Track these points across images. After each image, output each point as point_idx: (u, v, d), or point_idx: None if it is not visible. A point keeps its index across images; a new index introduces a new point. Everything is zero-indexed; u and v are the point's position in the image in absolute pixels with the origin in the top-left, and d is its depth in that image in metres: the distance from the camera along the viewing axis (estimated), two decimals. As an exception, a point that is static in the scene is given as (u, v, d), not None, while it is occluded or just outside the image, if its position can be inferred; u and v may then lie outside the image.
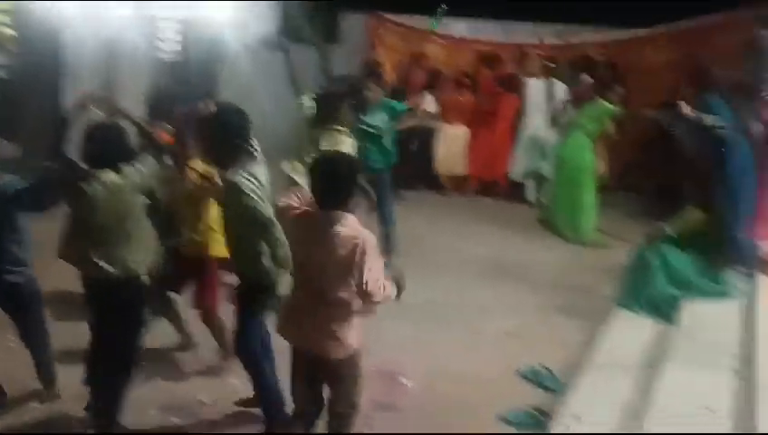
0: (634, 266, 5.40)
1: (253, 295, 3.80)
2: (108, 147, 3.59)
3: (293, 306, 3.36)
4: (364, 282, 3.13)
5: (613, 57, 9.45)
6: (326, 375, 3.40)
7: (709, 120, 5.30)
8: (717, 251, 5.24)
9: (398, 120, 6.48)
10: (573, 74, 8.48)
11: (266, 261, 3.64)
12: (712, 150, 5.38)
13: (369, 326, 3.47)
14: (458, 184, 9.51)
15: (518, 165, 9.08)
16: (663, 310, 5.14)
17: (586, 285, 6.21)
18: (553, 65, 9.15)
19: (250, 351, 3.81)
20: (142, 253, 3.70)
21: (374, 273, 3.16)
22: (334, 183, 3.20)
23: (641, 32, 9.71)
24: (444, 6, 9.66)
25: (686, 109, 5.36)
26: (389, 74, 10.68)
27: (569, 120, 7.76)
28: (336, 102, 5.54)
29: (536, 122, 8.89)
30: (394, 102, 6.50)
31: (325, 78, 9.99)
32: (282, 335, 3.42)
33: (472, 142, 9.39)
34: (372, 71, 6.89)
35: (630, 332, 5.07)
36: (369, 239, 3.19)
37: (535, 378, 4.61)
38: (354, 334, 3.30)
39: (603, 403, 4.09)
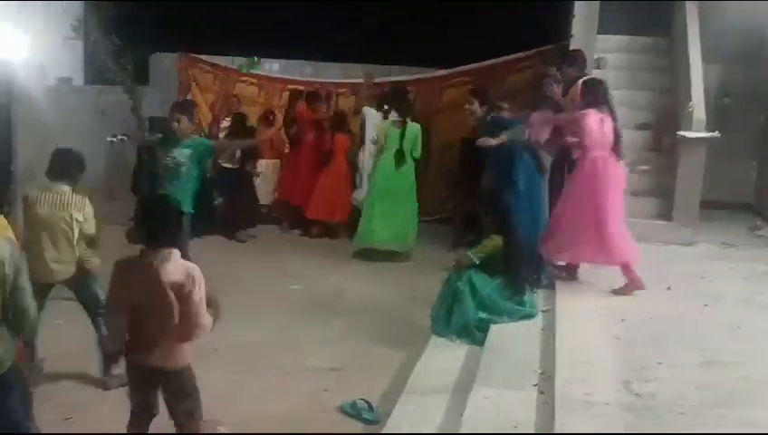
0: (444, 294, 5.63)
1: None
2: None
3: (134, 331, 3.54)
4: (192, 313, 3.38)
5: (418, 94, 9.98)
6: (163, 385, 3.62)
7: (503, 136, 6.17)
8: (516, 274, 5.60)
9: (203, 159, 6.10)
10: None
11: None
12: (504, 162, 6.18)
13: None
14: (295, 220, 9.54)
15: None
16: (473, 334, 5.40)
17: (403, 314, 6.40)
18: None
19: None
20: None
21: (200, 305, 3.42)
22: (157, 222, 3.48)
23: (442, 72, 10.35)
24: (256, 58, 9.75)
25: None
26: (205, 114, 10.60)
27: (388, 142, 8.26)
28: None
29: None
30: (201, 139, 6.41)
31: (136, 118, 9.72)
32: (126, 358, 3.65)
33: (309, 185, 9.36)
34: (183, 104, 6.68)
35: (445, 357, 5.27)
36: (196, 272, 3.44)
37: (356, 412, 4.66)
38: (186, 348, 3.55)
39: (417, 428, 4.22)
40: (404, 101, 8.69)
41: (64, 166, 4.92)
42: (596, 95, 6.01)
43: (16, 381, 3.41)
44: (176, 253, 3.48)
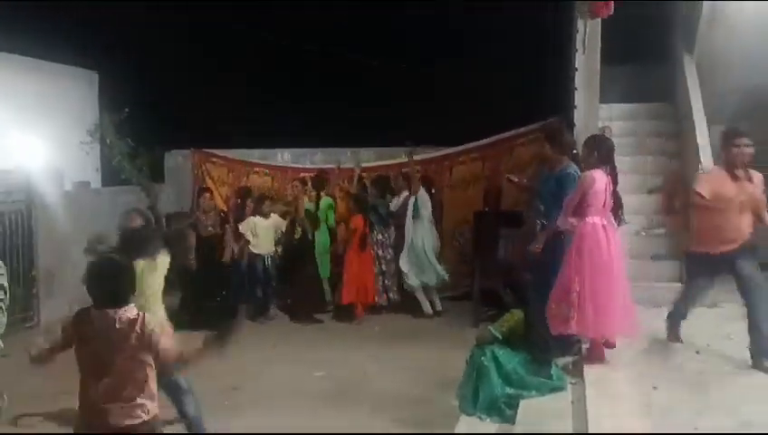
0: (469, 371, 5.56)
1: None
2: None
3: (93, 399, 3.48)
4: (159, 350, 3.48)
5: (428, 173, 10.13)
6: None
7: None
8: (541, 348, 5.54)
9: None
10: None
11: None
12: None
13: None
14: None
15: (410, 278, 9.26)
16: (502, 411, 5.30)
17: (429, 395, 6.29)
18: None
19: None
20: None
21: (164, 339, 3.53)
22: (107, 284, 3.58)
23: (450, 150, 10.52)
24: None
25: None
26: (220, 205, 10.80)
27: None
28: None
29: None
30: None
31: (153, 216, 9.87)
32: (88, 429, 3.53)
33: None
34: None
35: (475, 436, 5.18)
36: (145, 316, 3.55)
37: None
38: (155, 399, 3.58)
39: None
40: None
41: None
42: (601, 152, 5.75)
43: None
44: (129, 307, 3.57)
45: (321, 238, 9.57)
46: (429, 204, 9.30)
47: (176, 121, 12.95)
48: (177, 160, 12.24)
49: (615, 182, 5.98)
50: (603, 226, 5.60)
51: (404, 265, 9.24)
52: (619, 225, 5.85)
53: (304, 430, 5.66)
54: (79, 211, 9.92)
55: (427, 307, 9.23)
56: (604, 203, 5.66)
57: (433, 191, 9.62)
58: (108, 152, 10.15)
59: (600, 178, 5.60)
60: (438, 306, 9.28)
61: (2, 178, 8.86)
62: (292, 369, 7.25)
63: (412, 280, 9.21)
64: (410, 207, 9.17)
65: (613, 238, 5.65)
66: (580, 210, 5.59)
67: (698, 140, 8.28)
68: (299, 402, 6.30)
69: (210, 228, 9.33)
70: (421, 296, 9.25)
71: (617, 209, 5.84)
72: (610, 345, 5.93)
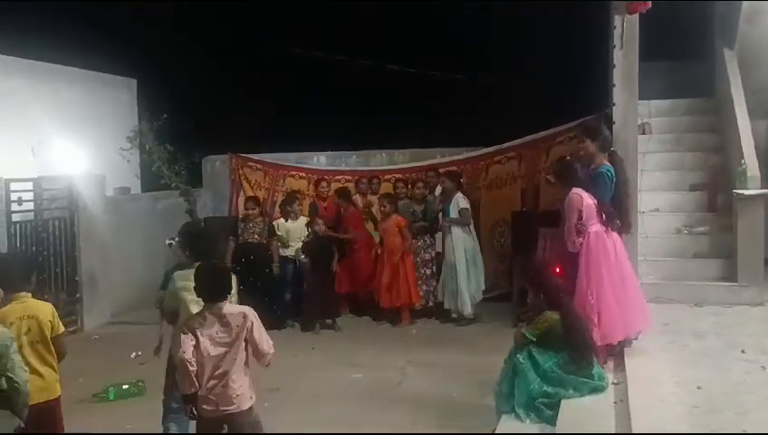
0: (506, 369, 5.52)
1: None
2: None
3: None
4: (258, 343, 4.21)
5: (465, 173, 10.10)
6: (234, 427, 4.26)
7: None
8: (579, 349, 5.45)
9: None
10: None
11: None
12: None
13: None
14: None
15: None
16: (540, 410, 5.24)
17: (467, 397, 6.28)
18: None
19: None
20: None
21: (263, 334, 4.26)
22: (216, 281, 4.28)
23: (487, 149, 10.47)
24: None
25: None
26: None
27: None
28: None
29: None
30: None
31: (192, 220, 10.01)
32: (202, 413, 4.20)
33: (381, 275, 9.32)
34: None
35: (516, 437, 5.14)
36: (250, 310, 4.28)
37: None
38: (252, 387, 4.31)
39: None
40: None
41: None
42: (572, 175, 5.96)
43: None
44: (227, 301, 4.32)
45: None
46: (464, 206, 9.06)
47: (213, 127, 13.12)
48: (215, 165, 12.38)
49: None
50: (605, 231, 5.78)
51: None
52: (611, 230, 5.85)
53: (344, 431, 5.71)
54: (120, 216, 10.10)
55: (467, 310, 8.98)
56: (599, 212, 5.80)
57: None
58: (147, 158, 10.31)
59: (582, 192, 5.80)
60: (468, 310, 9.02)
61: (45, 186, 9.05)
62: (330, 371, 7.30)
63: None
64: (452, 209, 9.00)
65: (616, 240, 5.84)
66: (581, 227, 5.77)
67: (740, 135, 8.13)
68: (338, 404, 6.34)
69: (256, 236, 9.34)
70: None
71: (613, 219, 5.85)
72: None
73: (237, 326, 4.18)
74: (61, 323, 4.48)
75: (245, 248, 9.23)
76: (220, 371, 4.16)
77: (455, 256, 8.91)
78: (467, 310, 8.92)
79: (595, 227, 5.77)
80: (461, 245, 8.93)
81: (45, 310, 4.39)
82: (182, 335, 4.18)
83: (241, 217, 9.95)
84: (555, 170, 6.35)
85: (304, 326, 9.08)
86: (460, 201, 8.98)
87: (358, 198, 10.08)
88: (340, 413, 6.11)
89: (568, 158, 6.42)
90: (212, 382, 4.16)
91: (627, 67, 7.17)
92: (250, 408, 4.28)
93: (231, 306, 4.30)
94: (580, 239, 5.76)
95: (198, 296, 4.29)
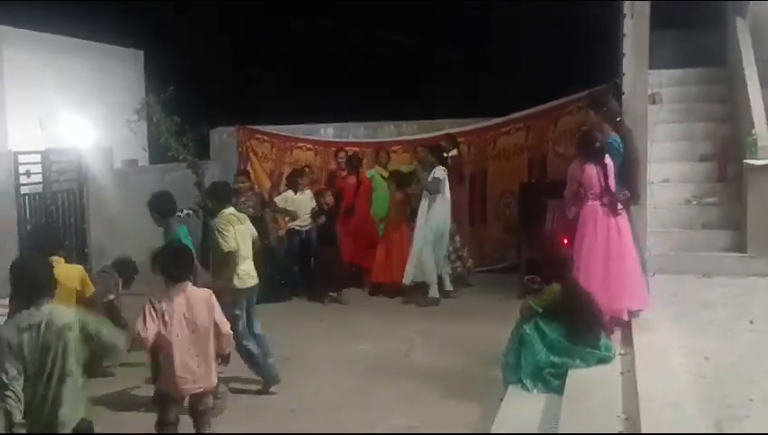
0: (513, 342, 5.53)
1: None
2: None
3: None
4: (219, 324, 4.38)
5: (472, 144, 10.04)
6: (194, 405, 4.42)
7: None
8: (584, 320, 5.45)
9: None
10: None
11: None
12: None
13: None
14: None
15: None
16: (547, 380, 5.27)
17: (473, 369, 6.30)
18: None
19: None
20: None
21: (223, 317, 4.44)
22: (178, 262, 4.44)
23: (494, 120, 10.39)
24: None
25: None
26: (264, 182, 10.89)
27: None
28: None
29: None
30: None
31: (200, 192, 10.00)
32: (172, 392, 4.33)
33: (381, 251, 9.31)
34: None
35: (524, 407, 5.16)
36: (211, 292, 4.46)
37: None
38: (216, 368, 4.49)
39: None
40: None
41: None
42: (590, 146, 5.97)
43: None
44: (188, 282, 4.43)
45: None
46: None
47: (221, 99, 13.08)
48: (223, 137, 12.36)
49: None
50: (603, 207, 5.84)
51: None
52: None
53: (355, 402, 5.75)
54: (128, 189, 10.12)
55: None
56: (602, 187, 5.85)
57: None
58: (154, 130, 10.27)
59: (588, 166, 5.87)
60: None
61: (54, 158, 9.06)
62: (338, 342, 7.32)
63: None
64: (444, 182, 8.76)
65: (616, 218, 5.86)
66: (579, 198, 5.90)
67: (751, 104, 8.04)
68: (347, 376, 6.37)
69: (251, 210, 9.31)
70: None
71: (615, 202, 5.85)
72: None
73: (202, 308, 4.32)
74: (90, 287, 4.70)
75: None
76: (188, 350, 4.26)
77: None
78: (430, 280, 8.71)
79: (594, 203, 5.84)
80: (423, 215, 8.69)
81: (71, 274, 4.87)
82: (146, 314, 4.23)
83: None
84: (577, 140, 6.30)
85: (311, 298, 9.12)
86: (436, 171, 8.71)
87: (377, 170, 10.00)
88: (350, 385, 6.15)
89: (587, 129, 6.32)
90: (179, 360, 4.24)
91: (637, 36, 7.07)
92: (214, 387, 4.50)
93: (195, 288, 4.42)
94: (575, 208, 5.91)
95: (164, 277, 4.39)
